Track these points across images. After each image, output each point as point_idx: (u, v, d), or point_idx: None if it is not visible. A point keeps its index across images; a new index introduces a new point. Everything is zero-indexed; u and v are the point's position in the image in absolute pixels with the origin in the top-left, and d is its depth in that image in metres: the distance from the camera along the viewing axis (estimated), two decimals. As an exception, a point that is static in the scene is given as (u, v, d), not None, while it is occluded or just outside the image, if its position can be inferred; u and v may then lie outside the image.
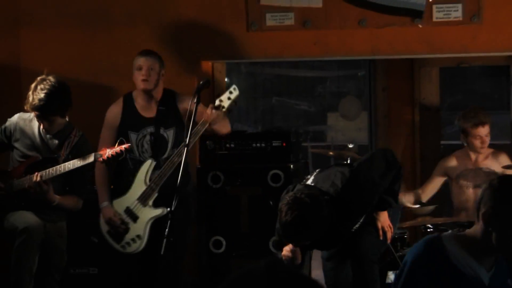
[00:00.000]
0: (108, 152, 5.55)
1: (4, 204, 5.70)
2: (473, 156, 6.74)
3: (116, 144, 5.66)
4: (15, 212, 5.66)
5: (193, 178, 6.26)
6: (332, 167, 5.39)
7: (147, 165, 5.78)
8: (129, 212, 5.72)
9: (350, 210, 5.01)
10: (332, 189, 4.97)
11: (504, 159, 6.74)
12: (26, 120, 5.89)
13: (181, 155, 5.47)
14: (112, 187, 5.91)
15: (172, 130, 5.89)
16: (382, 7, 6.53)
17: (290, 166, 6.38)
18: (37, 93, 5.65)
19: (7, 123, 5.95)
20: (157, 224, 5.78)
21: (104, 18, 6.83)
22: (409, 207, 6.78)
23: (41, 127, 5.82)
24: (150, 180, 5.77)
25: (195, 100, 5.28)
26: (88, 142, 5.86)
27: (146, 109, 5.90)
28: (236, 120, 8.42)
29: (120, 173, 5.98)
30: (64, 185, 5.69)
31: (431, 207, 6.60)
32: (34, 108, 5.68)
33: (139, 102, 5.90)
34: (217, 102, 5.61)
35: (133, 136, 5.91)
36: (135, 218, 5.69)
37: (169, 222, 5.11)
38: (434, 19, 6.49)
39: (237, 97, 5.70)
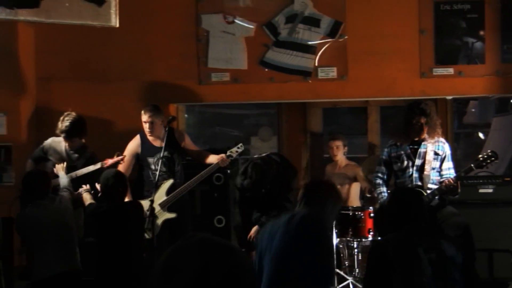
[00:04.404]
0: (109, 162, 6.09)
1: None
2: (336, 165, 7.50)
3: (115, 156, 6.15)
4: None
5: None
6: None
7: (169, 183, 6.23)
8: (151, 211, 5.96)
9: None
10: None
11: (358, 170, 7.46)
12: (56, 141, 6.38)
13: (188, 187, 6.01)
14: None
15: (175, 153, 6.39)
16: (285, 69, 7.19)
17: (228, 171, 6.98)
18: (64, 122, 6.19)
19: (44, 144, 6.40)
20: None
21: (103, 75, 7.30)
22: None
23: (66, 145, 6.30)
24: (168, 193, 6.21)
25: (166, 129, 6.03)
26: (96, 156, 6.25)
27: (155, 142, 6.39)
28: (193, 142, 8.52)
29: (143, 181, 6.41)
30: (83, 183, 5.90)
31: None
32: (61, 132, 6.21)
33: (149, 137, 6.37)
34: (228, 153, 6.22)
35: (150, 159, 6.34)
36: (154, 217, 5.91)
37: (150, 207, 5.68)
38: (318, 77, 7.15)
39: (242, 151, 6.33)
